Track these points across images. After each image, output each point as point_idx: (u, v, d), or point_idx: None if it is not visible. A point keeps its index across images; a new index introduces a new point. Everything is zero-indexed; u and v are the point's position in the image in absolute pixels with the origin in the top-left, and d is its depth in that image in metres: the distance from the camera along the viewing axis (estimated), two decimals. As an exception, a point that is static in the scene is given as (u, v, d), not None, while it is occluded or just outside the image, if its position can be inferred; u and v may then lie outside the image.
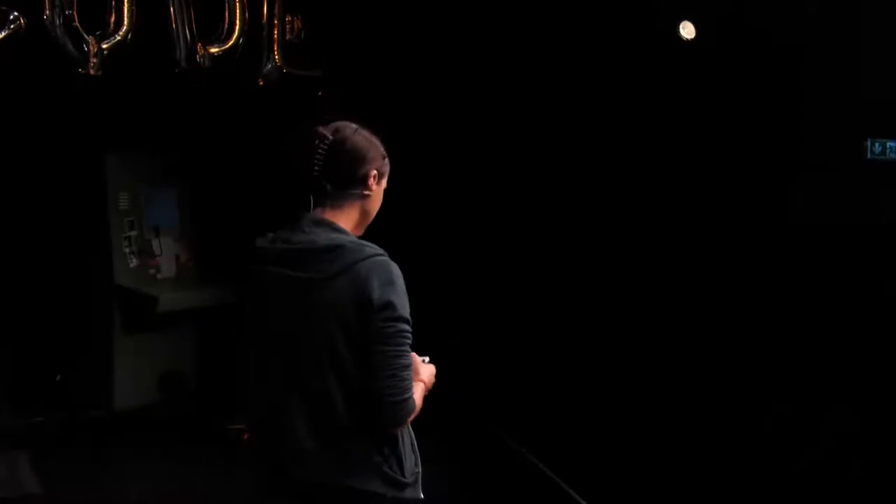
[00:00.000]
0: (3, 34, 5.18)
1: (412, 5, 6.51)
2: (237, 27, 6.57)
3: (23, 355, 6.74)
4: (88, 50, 5.61)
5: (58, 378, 6.85)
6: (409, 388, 2.36)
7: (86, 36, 5.63)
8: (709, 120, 4.98)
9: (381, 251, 2.39)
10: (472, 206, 6.61)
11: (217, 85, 6.50)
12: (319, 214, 2.42)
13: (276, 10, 6.74)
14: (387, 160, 2.53)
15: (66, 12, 5.51)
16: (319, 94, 7.32)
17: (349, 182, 2.43)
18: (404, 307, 2.36)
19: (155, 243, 6.98)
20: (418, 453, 2.59)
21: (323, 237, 2.36)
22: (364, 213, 2.49)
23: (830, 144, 4.65)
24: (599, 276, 5.54)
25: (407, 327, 2.36)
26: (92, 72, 5.67)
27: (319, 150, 2.41)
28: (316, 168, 2.42)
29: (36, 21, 5.39)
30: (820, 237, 4.63)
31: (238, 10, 6.55)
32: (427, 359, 2.63)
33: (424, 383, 2.54)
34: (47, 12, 5.42)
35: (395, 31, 6.71)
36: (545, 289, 5.94)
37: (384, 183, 2.52)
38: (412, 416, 2.41)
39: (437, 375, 2.64)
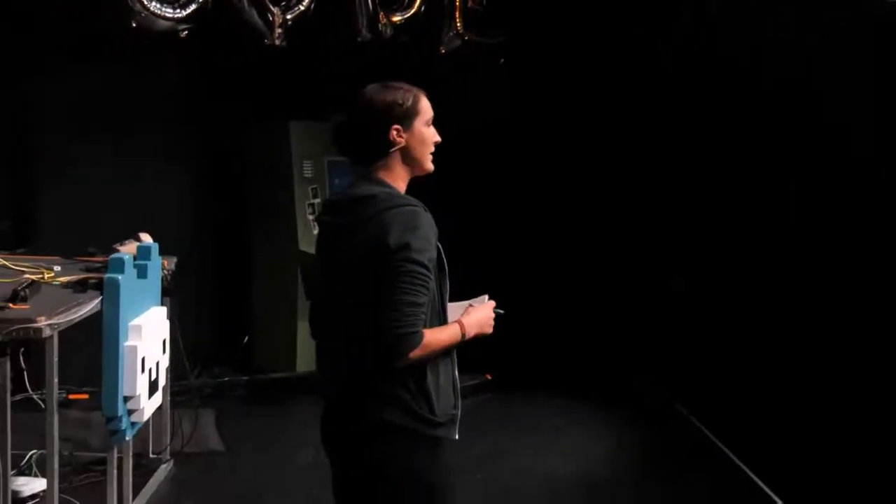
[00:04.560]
0: (192, 7, 5.30)
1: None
2: (419, -5, 6.55)
3: (210, 318, 7.02)
4: (273, 21, 5.71)
5: (245, 341, 7.10)
6: (413, 325, 2.44)
7: (271, 7, 5.73)
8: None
9: (413, 202, 2.56)
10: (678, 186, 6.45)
11: (399, 53, 6.50)
12: (369, 172, 2.64)
13: (458, -22, 6.68)
14: (412, 103, 2.63)
15: (252, -16, 5.62)
16: (501, 61, 7.23)
17: (375, 146, 2.62)
18: (421, 252, 2.47)
19: (337, 210, 7.07)
20: (459, 396, 2.66)
21: (363, 190, 2.60)
22: (407, 161, 2.65)
23: None
24: (795, 271, 5.21)
25: (421, 269, 2.47)
26: (277, 42, 5.77)
27: (348, 126, 2.66)
28: (351, 139, 2.67)
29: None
30: None
31: (420, -21, 6.52)
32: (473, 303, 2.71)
33: (462, 324, 2.61)
34: (233, -15, 5.54)
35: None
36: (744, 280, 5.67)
37: (418, 124, 2.64)
38: (417, 353, 2.46)
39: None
